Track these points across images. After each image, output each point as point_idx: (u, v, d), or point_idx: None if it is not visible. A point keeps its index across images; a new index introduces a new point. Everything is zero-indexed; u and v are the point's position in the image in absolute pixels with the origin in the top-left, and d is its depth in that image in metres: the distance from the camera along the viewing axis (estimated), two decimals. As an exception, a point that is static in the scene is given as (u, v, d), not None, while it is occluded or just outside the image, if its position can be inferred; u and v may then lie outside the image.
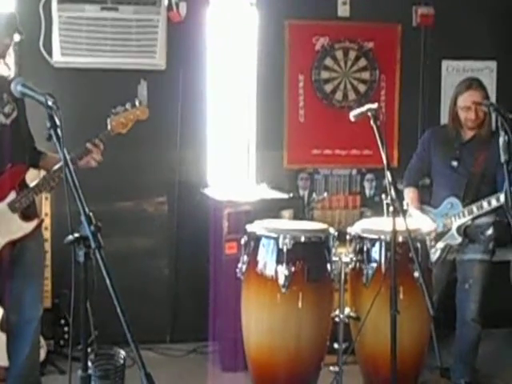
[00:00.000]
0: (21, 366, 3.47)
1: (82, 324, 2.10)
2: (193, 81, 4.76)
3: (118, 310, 1.94)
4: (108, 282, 1.93)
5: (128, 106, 3.35)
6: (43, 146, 3.48)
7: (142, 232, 4.78)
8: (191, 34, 4.70)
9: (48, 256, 4.23)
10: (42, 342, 4.07)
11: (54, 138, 2.13)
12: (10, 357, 3.47)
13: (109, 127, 3.34)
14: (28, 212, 3.34)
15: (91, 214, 2.05)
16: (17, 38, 3.38)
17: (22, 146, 3.40)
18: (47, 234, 4.26)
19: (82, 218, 2.04)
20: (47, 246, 4.23)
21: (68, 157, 2.11)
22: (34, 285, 3.47)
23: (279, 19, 4.87)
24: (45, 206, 4.29)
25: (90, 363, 2.07)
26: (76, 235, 2.05)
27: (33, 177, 3.38)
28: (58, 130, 2.14)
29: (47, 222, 4.28)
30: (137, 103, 3.39)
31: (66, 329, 4.39)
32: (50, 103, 2.15)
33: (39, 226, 3.44)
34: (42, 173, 3.44)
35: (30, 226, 3.34)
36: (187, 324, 4.78)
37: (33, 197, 3.31)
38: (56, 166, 3.28)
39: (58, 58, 4.47)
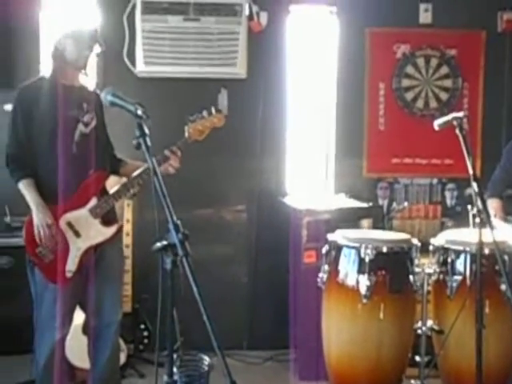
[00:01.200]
0: (101, 368, 3.53)
1: (168, 330, 2.13)
2: (273, 89, 4.78)
3: (205, 317, 1.95)
4: (195, 289, 1.95)
5: (205, 113, 3.38)
6: (123, 154, 3.57)
7: (221, 239, 4.82)
8: (272, 43, 4.73)
9: (129, 262, 4.32)
10: (123, 345, 4.14)
11: (143, 147, 2.18)
12: (91, 359, 3.56)
13: (186, 134, 3.38)
14: (108, 217, 3.41)
15: (179, 222, 2.07)
16: (97, 49, 3.47)
17: (102, 154, 3.48)
18: (128, 240, 4.35)
19: (170, 225, 2.06)
20: (128, 252, 4.32)
21: (154, 165, 2.14)
22: (113, 289, 3.52)
23: (360, 27, 4.84)
24: (127, 212, 4.38)
25: (175, 369, 2.08)
26: (164, 243, 2.07)
27: (113, 183, 3.46)
28: (147, 139, 2.18)
29: (129, 228, 4.37)
30: (213, 111, 3.41)
31: (145, 333, 4.46)
32: (139, 112, 2.20)
33: (119, 231, 3.50)
34: (123, 180, 3.51)
35: (109, 231, 3.40)
36: (265, 331, 4.78)
37: (113, 203, 3.38)
38: (135, 173, 3.34)
39: (141, 67, 4.58)
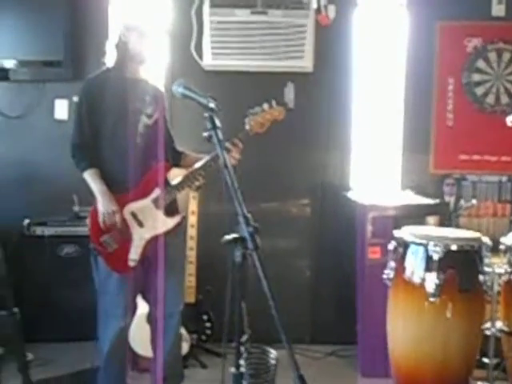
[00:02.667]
0: (164, 357, 3.57)
1: (237, 322, 2.13)
2: (340, 83, 4.74)
3: (273, 311, 1.96)
4: (264, 282, 1.96)
5: (265, 106, 3.39)
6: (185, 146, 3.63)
7: (285, 233, 4.81)
8: (339, 37, 4.70)
9: (193, 253, 4.36)
10: (186, 335, 4.19)
11: (215, 140, 2.19)
12: (154, 349, 3.62)
13: (247, 127, 3.39)
14: (171, 208, 3.45)
15: (249, 215, 2.07)
16: (163, 43, 3.50)
17: (165, 146, 3.51)
18: (193, 232, 4.39)
19: (240, 218, 2.07)
20: (193, 244, 4.36)
21: (225, 158, 2.15)
22: (175, 280, 3.57)
23: (430, 20, 4.74)
24: (192, 204, 4.42)
25: (242, 361, 2.09)
26: (234, 235, 2.08)
27: (175, 175, 3.49)
28: (219, 132, 2.19)
29: (194, 220, 4.40)
30: (274, 104, 3.41)
31: (208, 324, 4.49)
32: (211, 105, 2.21)
33: (181, 222, 3.53)
34: (185, 171, 3.54)
35: (172, 222, 3.43)
36: (327, 326, 4.76)
37: (175, 194, 3.43)
38: (197, 165, 3.38)
39: (208, 61, 4.60)
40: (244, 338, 2.13)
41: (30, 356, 1.49)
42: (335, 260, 4.70)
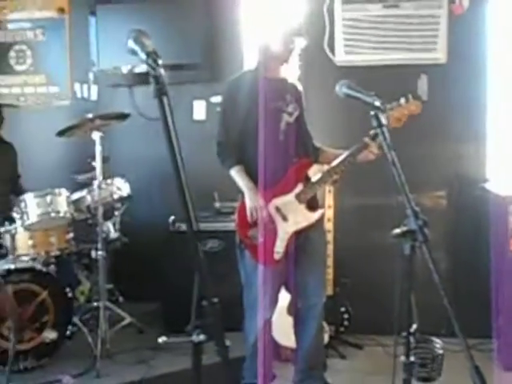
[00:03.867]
0: (307, 348, 3.69)
1: (406, 314, 2.20)
2: (474, 74, 4.66)
3: (445, 301, 2.01)
4: (435, 275, 2.01)
5: (402, 100, 3.39)
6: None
7: (420, 225, 4.80)
8: (473, 26, 4.62)
9: (330, 247, 4.43)
10: (326, 327, 4.28)
11: (381, 138, 2.25)
12: (297, 339, 3.73)
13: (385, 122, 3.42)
14: (312, 203, 3.55)
15: (418, 208, 2.13)
16: (301, 43, 3.58)
17: (305, 142, 3.62)
18: (330, 226, 4.46)
19: (409, 211, 2.14)
20: (329, 237, 4.44)
21: (393, 156, 2.21)
22: (316, 273, 3.66)
23: None
24: (328, 198, 4.49)
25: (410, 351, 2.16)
26: (403, 229, 2.15)
27: (315, 171, 3.58)
28: (385, 130, 2.25)
29: (330, 214, 4.48)
30: (410, 98, 3.41)
31: (345, 316, 4.57)
32: (377, 103, 2.28)
33: (322, 216, 3.64)
34: (323, 167, 3.59)
35: (314, 216, 3.54)
36: (464, 319, 4.70)
37: (317, 189, 3.52)
38: (338, 160, 3.44)
39: (341, 56, 4.68)
40: (413, 328, 2.19)
41: (228, 342, 1.61)
42: (472, 252, 4.64)
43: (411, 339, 2.15)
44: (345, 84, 2.40)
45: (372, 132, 2.31)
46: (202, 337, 1.68)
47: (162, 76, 1.52)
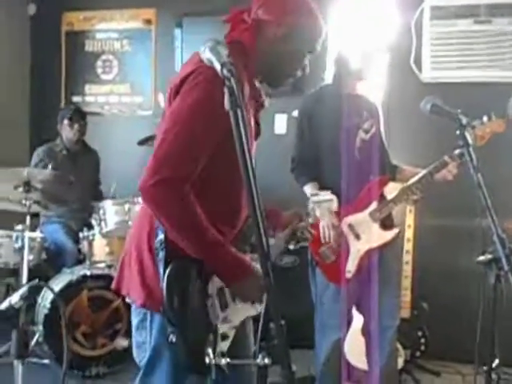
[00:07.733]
0: (379, 371, 3.57)
1: (488, 345, 2.08)
2: None
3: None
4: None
5: (485, 119, 3.27)
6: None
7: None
8: None
9: (409, 268, 4.30)
10: (401, 350, 4.15)
11: (467, 157, 2.15)
12: (369, 361, 3.61)
13: None
14: (387, 222, 3.45)
15: (504, 235, 2.01)
16: (385, 59, 3.50)
17: (381, 160, 3.52)
18: (409, 246, 4.32)
19: (495, 238, 2.02)
20: (408, 258, 4.30)
21: (479, 178, 2.10)
22: (391, 293, 3.56)
23: None
24: (408, 217, 4.36)
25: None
26: (488, 256, 2.03)
27: (390, 189, 3.47)
28: (471, 150, 2.15)
29: (410, 233, 4.34)
30: (493, 116, 3.28)
31: (422, 340, 4.41)
32: (464, 122, 2.17)
33: (396, 236, 3.51)
34: (399, 185, 3.49)
35: (388, 235, 3.44)
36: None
37: (392, 207, 3.42)
38: (415, 179, 3.34)
39: (427, 73, 4.55)
40: (495, 363, 2.07)
41: (293, 367, 1.54)
42: None
43: (493, 375, 2.02)
44: (429, 101, 2.30)
45: (458, 151, 2.21)
46: (267, 360, 1.61)
47: (235, 88, 1.47)
